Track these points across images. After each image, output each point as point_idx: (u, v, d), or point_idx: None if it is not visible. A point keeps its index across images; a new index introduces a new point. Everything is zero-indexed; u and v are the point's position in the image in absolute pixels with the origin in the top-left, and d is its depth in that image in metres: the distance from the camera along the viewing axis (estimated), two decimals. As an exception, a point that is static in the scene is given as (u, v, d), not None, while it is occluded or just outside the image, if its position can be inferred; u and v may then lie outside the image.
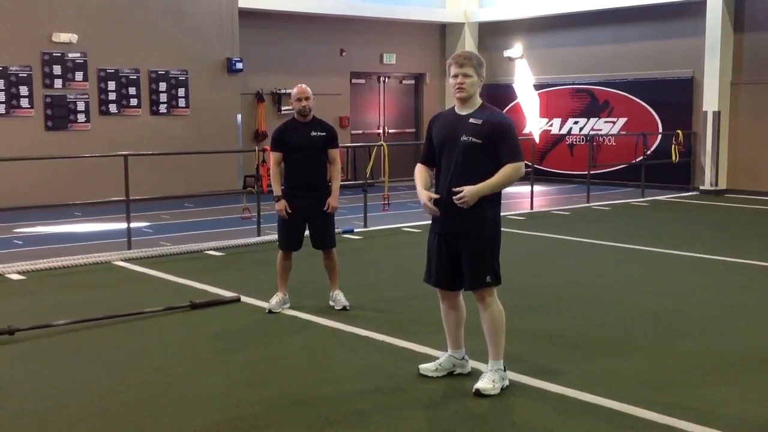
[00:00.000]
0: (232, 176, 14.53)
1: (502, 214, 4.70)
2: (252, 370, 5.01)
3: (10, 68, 12.51)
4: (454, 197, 4.37)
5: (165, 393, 4.59)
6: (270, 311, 6.28)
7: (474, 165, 4.42)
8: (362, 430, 4.04)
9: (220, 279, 7.42)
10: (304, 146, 6.27)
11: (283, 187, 6.31)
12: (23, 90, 12.63)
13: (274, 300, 6.36)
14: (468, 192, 4.33)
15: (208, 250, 8.93)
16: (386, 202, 10.81)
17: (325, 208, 6.33)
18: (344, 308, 6.32)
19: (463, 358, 4.80)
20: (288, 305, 6.39)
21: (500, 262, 4.59)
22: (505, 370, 4.58)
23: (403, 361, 5.11)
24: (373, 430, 4.04)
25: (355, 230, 10.22)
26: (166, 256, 8.67)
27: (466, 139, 4.43)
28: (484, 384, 4.48)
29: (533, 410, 4.31)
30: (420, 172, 4.69)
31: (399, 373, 4.86)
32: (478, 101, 4.54)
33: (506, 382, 4.56)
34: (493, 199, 4.48)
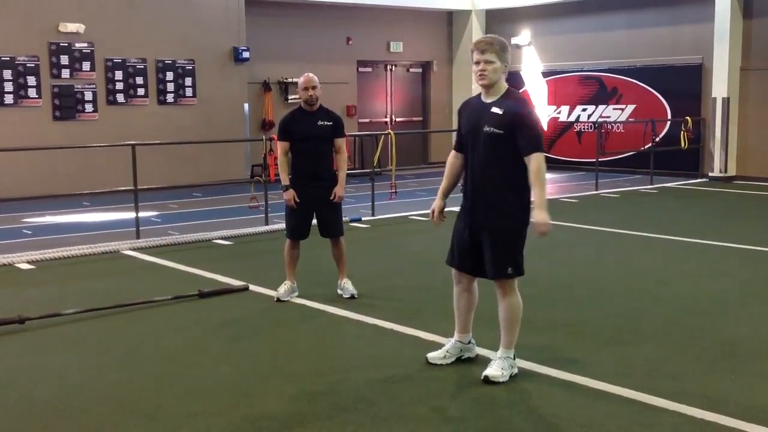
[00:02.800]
0: (240, 165, 14.53)
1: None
2: (260, 359, 5.01)
3: (18, 58, 12.51)
4: (538, 235, 4.30)
5: (174, 382, 4.60)
6: (278, 299, 6.29)
7: (496, 156, 4.38)
8: (371, 418, 4.04)
9: (228, 268, 7.43)
10: (310, 136, 6.26)
11: (290, 177, 6.31)
12: (31, 80, 12.65)
13: (282, 288, 6.36)
14: (543, 223, 4.24)
15: (216, 239, 8.94)
16: (393, 190, 10.81)
17: (331, 198, 6.31)
18: (352, 296, 6.32)
19: (469, 342, 4.81)
20: (296, 294, 6.40)
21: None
22: (514, 359, 4.57)
23: (411, 349, 5.11)
24: (382, 418, 4.04)
25: (363, 219, 10.21)
26: (174, 245, 8.68)
27: (488, 130, 4.37)
28: (493, 371, 4.48)
29: (543, 397, 4.30)
30: (451, 161, 4.74)
31: (407, 362, 4.86)
32: (503, 87, 4.43)
33: (515, 370, 4.55)
34: (518, 192, 4.41)
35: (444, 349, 4.81)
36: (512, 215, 4.42)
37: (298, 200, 6.26)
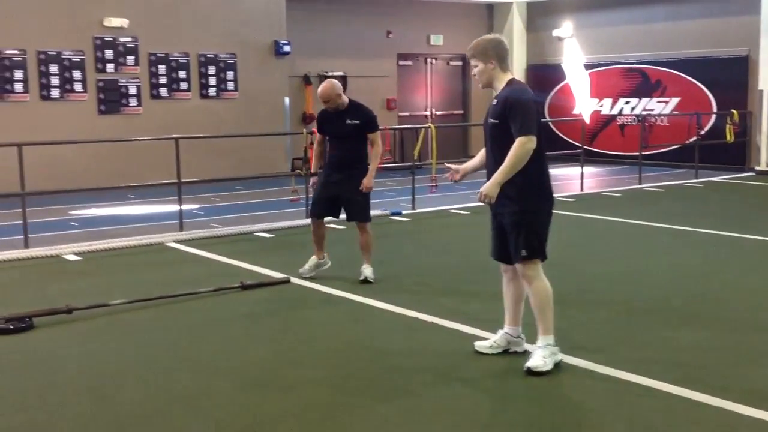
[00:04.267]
0: (281, 159, 14.63)
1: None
2: (302, 350, 5.05)
3: (64, 53, 12.74)
4: (478, 198, 4.48)
5: (218, 371, 4.66)
6: (301, 275, 6.55)
7: (499, 145, 4.52)
8: (413, 409, 4.05)
9: (269, 260, 7.49)
10: (339, 134, 6.58)
11: (324, 162, 6.73)
12: (76, 74, 12.87)
13: (306, 265, 6.67)
14: (484, 190, 4.41)
15: (257, 231, 9.02)
16: (434, 184, 10.78)
17: (360, 188, 6.49)
18: (365, 280, 6.51)
19: (518, 337, 4.80)
20: (326, 266, 6.70)
21: (548, 241, 4.57)
22: (555, 345, 4.56)
23: (453, 341, 5.11)
24: (424, 409, 4.05)
25: (403, 212, 10.22)
26: (216, 237, 8.78)
27: (490, 121, 4.58)
28: (534, 362, 4.48)
29: (586, 392, 4.28)
30: (480, 151, 4.91)
31: (449, 354, 4.86)
32: (503, 81, 4.57)
33: (559, 357, 4.56)
34: (524, 176, 4.43)
35: (492, 339, 4.84)
36: (520, 198, 4.46)
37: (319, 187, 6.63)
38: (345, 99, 6.56)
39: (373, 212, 9.97)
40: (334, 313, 5.90)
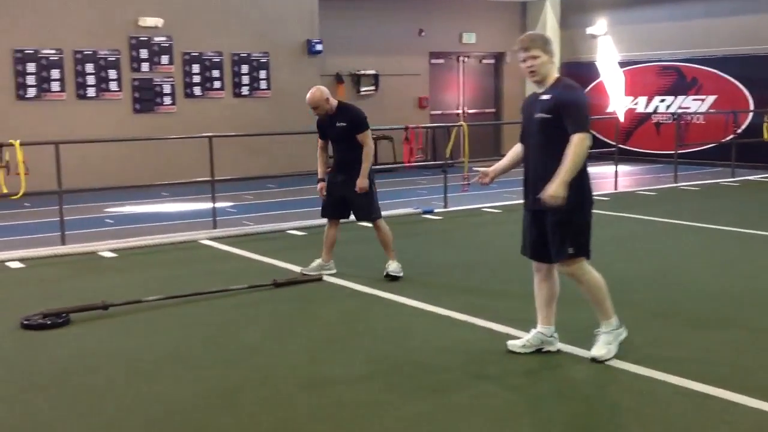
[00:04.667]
0: (312, 157, 14.57)
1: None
2: (333, 348, 5.06)
3: (99, 52, 12.90)
4: (543, 202, 4.36)
5: (250, 368, 4.68)
6: (302, 273, 6.74)
7: (547, 140, 4.49)
8: (445, 407, 4.04)
9: (301, 258, 7.50)
10: (333, 137, 6.72)
11: (328, 170, 6.83)
12: (112, 73, 13.03)
13: (312, 264, 6.82)
14: (551, 191, 4.30)
15: (289, 229, 9.06)
16: (466, 182, 10.73)
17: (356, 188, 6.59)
18: (388, 275, 6.57)
19: (552, 336, 4.77)
20: (330, 272, 6.77)
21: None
22: (618, 327, 4.64)
23: (485, 340, 5.09)
24: (456, 407, 4.04)
25: (435, 210, 10.20)
26: (249, 235, 8.84)
27: (538, 116, 4.52)
28: (598, 351, 4.58)
29: (619, 391, 4.24)
30: (514, 148, 4.92)
31: (481, 352, 4.85)
32: (553, 77, 4.56)
33: (623, 336, 4.66)
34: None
35: (525, 339, 4.82)
36: (569, 196, 4.37)
37: (325, 193, 6.75)
38: (333, 103, 6.62)
39: (404, 210, 10.11)
40: (365, 311, 5.90)
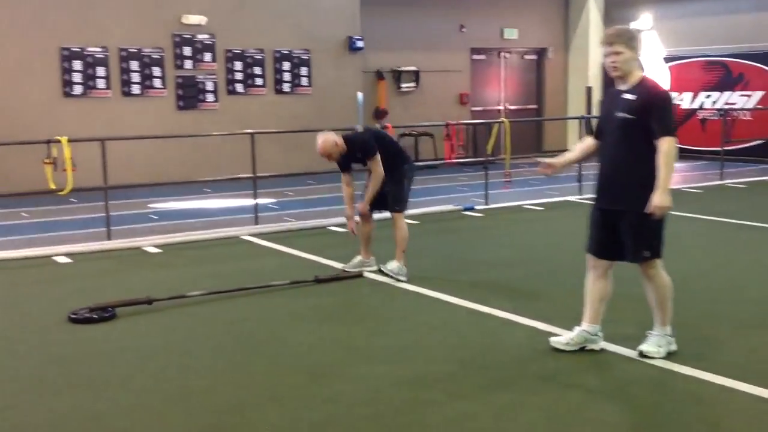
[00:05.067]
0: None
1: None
2: (376, 345, 5.07)
3: (144, 50, 13.06)
4: (652, 214, 4.35)
5: (292, 364, 4.71)
6: (343, 269, 6.77)
7: (626, 140, 4.44)
8: (489, 405, 4.02)
9: (342, 254, 7.52)
10: (355, 166, 6.77)
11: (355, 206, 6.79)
12: (156, 71, 13.18)
13: (352, 261, 6.84)
14: (657, 203, 4.30)
15: (330, 226, 9.09)
16: (507, 179, 10.68)
17: (360, 206, 6.70)
18: (380, 270, 6.59)
19: (596, 334, 4.74)
20: (371, 269, 6.75)
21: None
22: (672, 335, 4.60)
23: (528, 338, 5.06)
24: (500, 405, 4.02)
25: (476, 207, 10.15)
26: (290, 231, 8.89)
27: (620, 114, 4.46)
28: (648, 347, 4.56)
29: (665, 392, 4.18)
30: (585, 141, 4.91)
31: (524, 350, 4.82)
32: (638, 76, 4.49)
33: (673, 347, 4.59)
34: (647, 176, 4.38)
35: (569, 336, 4.78)
36: (643, 198, 4.38)
37: (355, 232, 6.78)
38: (341, 144, 6.56)
39: (445, 207, 10.08)
40: (406, 308, 5.90)
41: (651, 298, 4.62)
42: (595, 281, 4.70)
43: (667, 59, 16.68)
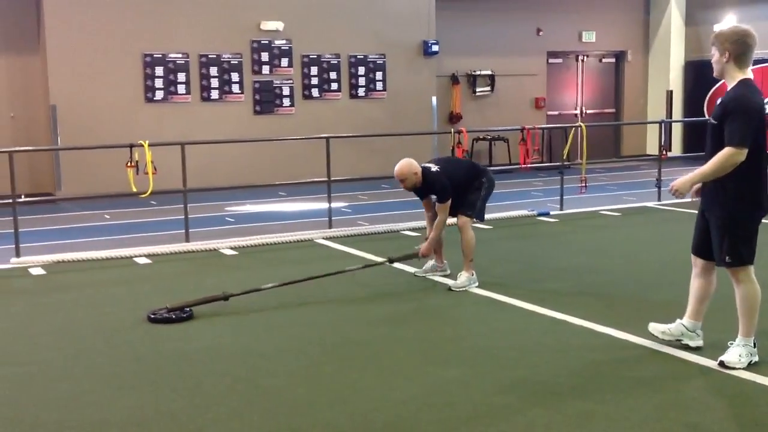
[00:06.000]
0: (427, 158, 14.66)
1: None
2: (447, 349, 5.05)
3: (223, 56, 13.33)
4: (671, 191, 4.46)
5: (363, 366, 4.73)
6: (415, 275, 6.78)
7: (714, 145, 4.40)
8: (562, 413, 3.95)
9: (416, 260, 7.53)
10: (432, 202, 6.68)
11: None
12: (234, 76, 13.44)
13: (425, 266, 6.85)
14: (676, 184, 4.38)
15: (403, 230, 9.10)
16: (584, 184, 10.50)
17: (413, 253, 6.65)
18: (449, 289, 6.39)
19: (694, 331, 4.73)
20: (444, 273, 6.76)
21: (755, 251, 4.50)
22: (755, 346, 4.50)
23: (603, 346, 4.97)
24: (572, 413, 3.95)
25: (551, 213, 10.02)
26: (364, 235, 8.93)
27: (710, 121, 4.48)
28: (729, 357, 4.47)
29: (751, 405, 4.05)
30: None
31: (599, 358, 4.73)
32: (734, 78, 4.45)
33: (755, 358, 4.49)
34: (737, 180, 4.33)
35: (667, 326, 4.79)
36: (727, 204, 4.37)
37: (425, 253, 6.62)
38: (419, 175, 6.47)
39: (519, 212, 9.98)
40: (479, 314, 5.86)
41: (737, 305, 4.53)
42: (695, 278, 4.71)
43: (753, 62, 16.12)
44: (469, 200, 6.54)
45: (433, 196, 6.61)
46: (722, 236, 4.41)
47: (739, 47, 4.40)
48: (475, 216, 6.55)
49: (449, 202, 6.45)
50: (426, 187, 6.55)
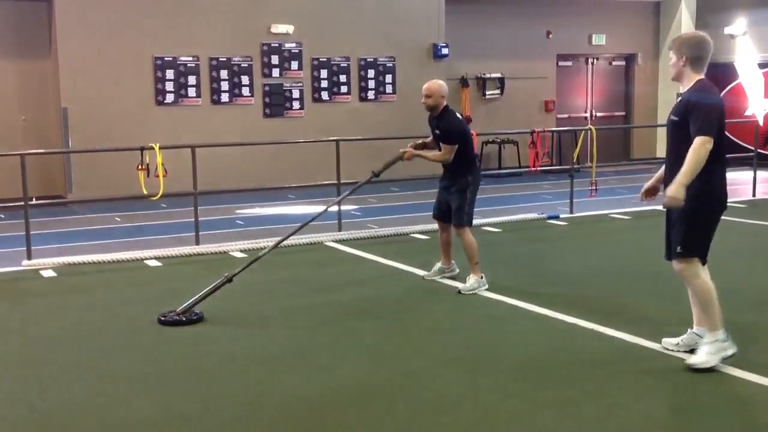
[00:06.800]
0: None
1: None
2: (457, 352, 5.04)
3: (233, 59, 13.37)
4: (664, 204, 4.46)
5: (375, 370, 4.73)
6: (424, 278, 6.79)
7: (674, 141, 4.54)
8: (573, 418, 3.95)
9: (424, 261, 7.53)
10: (434, 137, 6.73)
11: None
12: (244, 79, 13.48)
13: (433, 268, 6.85)
14: (670, 194, 4.36)
15: (413, 233, 9.10)
16: (594, 188, 10.48)
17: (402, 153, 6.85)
18: (459, 292, 6.39)
19: (726, 340, 4.68)
20: (451, 273, 6.79)
21: (713, 248, 4.54)
22: (725, 340, 4.50)
23: (613, 350, 4.96)
24: (585, 417, 3.95)
25: (561, 216, 10.01)
26: (373, 238, 8.94)
27: (671, 117, 4.58)
28: (696, 359, 4.51)
29: (748, 403, 4.04)
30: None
31: (610, 362, 4.73)
32: (692, 79, 4.55)
33: (728, 352, 4.49)
34: (700, 176, 4.37)
35: (680, 338, 4.82)
36: (691, 198, 4.37)
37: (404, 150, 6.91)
38: (441, 105, 6.51)
39: (529, 216, 9.97)
40: (489, 317, 5.85)
41: (693, 302, 4.63)
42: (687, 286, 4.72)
43: (762, 65, 16.09)
44: (459, 208, 6.52)
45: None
46: (677, 229, 4.49)
47: (695, 51, 4.52)
48: (465, 224, 6.53)
49: (454, 147, 6.47)
50: (440, 119, 6.55)
